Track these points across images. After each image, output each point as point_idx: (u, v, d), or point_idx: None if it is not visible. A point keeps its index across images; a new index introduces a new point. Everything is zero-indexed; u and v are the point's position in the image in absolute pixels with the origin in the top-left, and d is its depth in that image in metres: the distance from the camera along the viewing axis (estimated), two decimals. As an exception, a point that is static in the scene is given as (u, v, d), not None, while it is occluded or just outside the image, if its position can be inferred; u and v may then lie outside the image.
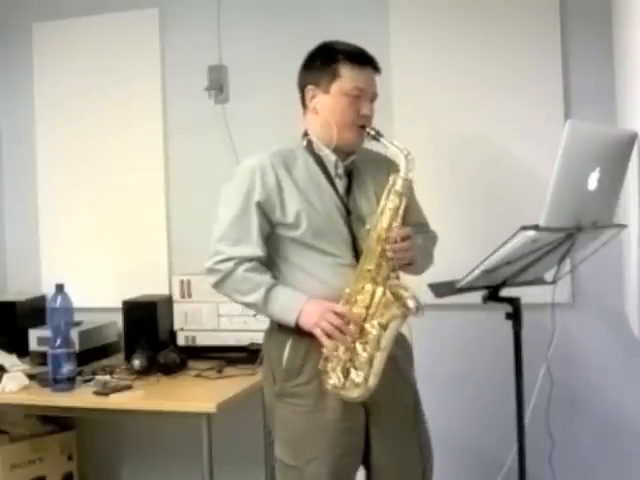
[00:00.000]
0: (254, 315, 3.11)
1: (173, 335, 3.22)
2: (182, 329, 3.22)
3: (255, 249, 2.09)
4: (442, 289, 2.20)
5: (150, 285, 3.29)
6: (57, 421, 3.29)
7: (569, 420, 2.79)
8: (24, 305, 3.30)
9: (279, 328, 2.12)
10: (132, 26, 3.37)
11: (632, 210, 2.19)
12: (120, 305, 3.14)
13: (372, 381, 1.98)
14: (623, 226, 2.21)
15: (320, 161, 2.15)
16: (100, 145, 3.42)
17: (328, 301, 2.02)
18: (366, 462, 2.15)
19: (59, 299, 2.74)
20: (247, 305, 2.14)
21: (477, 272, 2.03)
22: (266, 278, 2.08)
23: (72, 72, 3.45)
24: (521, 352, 2.14)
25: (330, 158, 2.14)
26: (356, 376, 1.99)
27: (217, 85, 3.25)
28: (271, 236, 2.13)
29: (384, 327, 1.97)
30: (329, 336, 1.98)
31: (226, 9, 3.22)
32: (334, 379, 2.00)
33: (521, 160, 2.88)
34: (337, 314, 1.99)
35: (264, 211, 2.09)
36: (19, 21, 3.53)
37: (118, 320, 3.22)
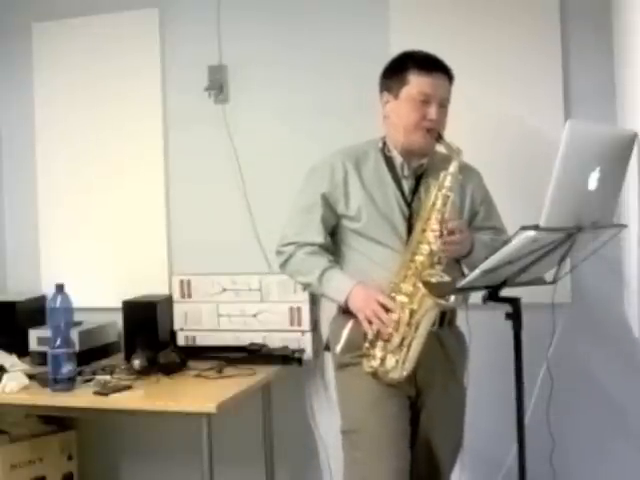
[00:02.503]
0: (254, 315, 3.14)
1: (173, 335, 3.23)
2: (182, 329, 3.23)
3: (316, 236, 2.31)
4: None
5: (150, 285, 3.29)
6: (57, 421, 3.29)
7: (569, 420, 2.79)
8: (24, 305, 3.30)
9: (343, 313, 2.31)
10: (132, 26, 3.37)
11: (632, 210, 2.19)
12: (120, 305, 3.15)
13: (408, 365, 2.16)
14: (623, 226, 2.21)
15: (390, 162, 2.31)
16: (100, 145, 3.42)
17: (376, 288, 2.19)
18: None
19: (59, 299, 2.74)
20: (304, 284, 2.37)
21: (477, 272, 2.02)
22: (323, 261, 2.29)
23: (71, 72, 3.45)
24: (521, 352, 2.14)
25: (397, 160, 2.30)
26: (393, 360, 2.16)
27: (217, 85, 3.25)
28: (337, 227, 2.34)
29: (417, 314, 2.12)
30: (370, 322, 2.16)
31: (226, 9, 3.22)
32: (372, 362, 2.18)
33: (521, 160, 2.88)
34: (380, 304, 2.14)
35: (329, 203, 2.30)
36: (19, 21, 3.52)
37: (118, 320, 3.22)
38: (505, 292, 2.16)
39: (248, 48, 3.21)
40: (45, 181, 3.52)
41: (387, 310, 2.15)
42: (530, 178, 2.78)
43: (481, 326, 2.77)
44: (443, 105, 2.26)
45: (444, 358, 2.30)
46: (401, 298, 2.15)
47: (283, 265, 2.37)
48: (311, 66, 3.14)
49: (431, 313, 2.12)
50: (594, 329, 2.86)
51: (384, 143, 2.34)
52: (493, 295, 2.15)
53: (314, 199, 2.31)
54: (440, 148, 2.27)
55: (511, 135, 2.91)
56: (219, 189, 3.26)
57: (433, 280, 2.12)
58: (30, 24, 3.50)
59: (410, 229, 2.24)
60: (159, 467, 3.37)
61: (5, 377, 2.77)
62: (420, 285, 2.11)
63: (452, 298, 2.11)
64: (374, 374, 2.20)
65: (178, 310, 3.24)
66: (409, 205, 2.27)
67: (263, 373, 2.88)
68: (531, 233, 1.89)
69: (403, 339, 2.14)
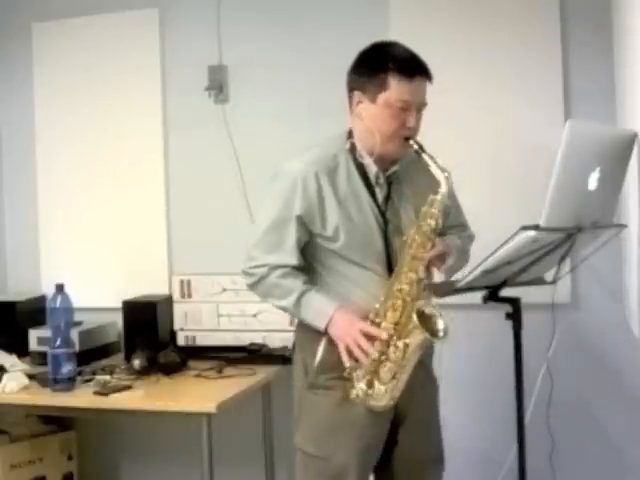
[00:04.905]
0: (254, 315, 3.13)
1: (173, 335, 3.23)
2: (182, 329, 3.23)
3: (289, 258, 2.09)
4: (442, 289, 2.19)
5: (150, 285, 3.29)
6: (57, 421, 3.29)
7: (569, 420, 2.78)
8: (24, 305, 3.30)
9: None
10: (132, 26, 3.37)
11: (632, 210, 2.19)
12: (120, 305, 3.15)
13: (396, 394, 2.03)
14: (623, 226, 2.21)
15: (362, 169, 2.12)
16: (100, 145, 3.42)
17: (358, 313, 2.04)
18: (380, 463, 2.18)
19: (59, 299, 2.74)
20: (280, 308, 2.17)
21: (477, 272, 2.02)
22: (298, 284, 2.09)
23: (72, 72, 3.45)
24: (521, 352, 2.14)
25: (372, 168, 2.12)
26: (380, 389, 2.02)
27: (217, 85, 3.25)
28: (309, 243, 2.12)
29: (410, 348, 1.99)
30: (351, 352, 2.01)
31: (226, 9, 3.22)
32: (357, 390, 2.03)
33: (521, 160, 2.88)
34: (363, 332, 2.00)
35: (304, 223, 2.09)
36: (19, 21, 3.52)
37: (118, 320, 3.22)
38: (505, 292, 2.16)
39: (248, 48, 3.22)
40: (45, 181, 3.52)
41: (370, 338, 2.00)
42: (530, 178, 2.78)
43: (481, 326, 2.78)
44: (421, 110, 2.11)
45: (419, 366, 2.09)
46: (388, 326, 2.01)
47: (253, 286, 2.16)
48: (311, 67, 3.14)
49: (420, 346, 2.00)
50: (594, 329, 2.86)
51: (352, 144, 2.14)
52: (493, 295, 2.15)
53: (285, 215, 2.08)
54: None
55: (511, 134, 2.91)
56: (219, 189, 3.26)
57: (427, 311, 2.01)
58: (30, 24, 3.50)
59: (387, 242, 2.10)
60: (159, 467, 3.37)
61: (5, 377, 2.77)
62: (414, 317, 1.98)
63: (442, 333, 1.99)
64: (357, 401, 2.05)
65: (178, 310, 3.24)
66: (384, 215, 2.11)
67: (263, 373, 2.88)
68: (531, 233, 1.89)
69: (389, 371, 2.00)
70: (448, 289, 2.15)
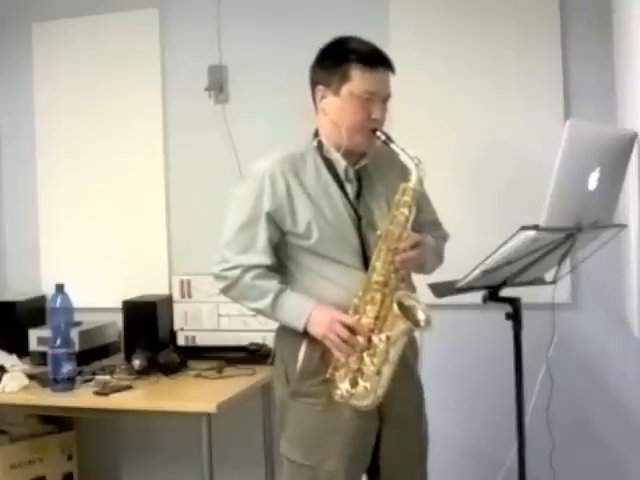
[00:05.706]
0: (254, 315, 3.12)
1: (173, 335, 3.22)
2: (182, 329, 3.23)
3: (262, 257, 2.08)
4: (442, 289, 2.19)
5: (150, 285, 3.29)
6: (57, 421, 3.29)
7: (569, 420, 2.78)
8: (24, 305, 3.30)
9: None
10: (132, 26, 3.37)
11: (632, 210, 2.19)
12: (120, 305, 3.15)
13: (380, 391, 2.00)
14: (623, 226, 2.21)
15: (330, 165, 2.10)
16: (100, 145, 3.42)
17: (337, 309, 2.02)
18: (371, 465, 2.15)
19: (59, 299, 2.74)
20: (255, 311, 2.15)
21: (477, 272, 2.02)
22: (274, 284, 2.07)
23: (72, 72, 3.45)
24: (521, 352, 2.14)
25: (340, 163, 2.10)
26: (364, 386, 1.99)
27: (217, 85, 3.25)
28: (281, 241, 2.10)
29: (392, 340, 1.98)
30: (337, 347, 1.99)
31: (226, 9, 3.23)
32: (342, 389, 2.01)
33: (521, 160, 2.88)
34: (344, 325, 1.99)
35: (274, 221, 2.07)
36: (19, 21, 3.53)
37: (118, 320, 3.22)
38: (505, 292, 2.16)
39: (248, 48, 3.21)
40: (45, 181, 3.52)
41: (352, 331, 1.98)
42: (529, 178, 2.77)
43: (481, 326, 2.78)
44: (385, 101, 2.08)
45: (403, 367, 2.07)
46: (368, 320, 2.00)
47: (227, 290, 2.13)
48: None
49: (403, 338, 1.99)
50: (594, 329, 2.86)
51: (319, 142, 2.12)
52: (493, 295, 2.15)
53: (254, 214, 2.06)
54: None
55: (511, 134, 2.91)
56: (219, 189, 3.25)
57: (406, 302, 1.99)
58: (30, 24, 3.50)
59: (361, 237, 2.08)
60: (159, 467, 3.37)
61: (5, 377, 2.77)
62: (396, 308, 1.96)
63: (424, 323, 1.98)
64: (342, 401, 2.02)
65: (178, 310, 3.24)
66: (356, 211, 2.09)
67: (263, 373, 2.88)
68: (531, 233, 1.89)
69: (373, 366, 1.98)
70: (448, 289, 2.15)
